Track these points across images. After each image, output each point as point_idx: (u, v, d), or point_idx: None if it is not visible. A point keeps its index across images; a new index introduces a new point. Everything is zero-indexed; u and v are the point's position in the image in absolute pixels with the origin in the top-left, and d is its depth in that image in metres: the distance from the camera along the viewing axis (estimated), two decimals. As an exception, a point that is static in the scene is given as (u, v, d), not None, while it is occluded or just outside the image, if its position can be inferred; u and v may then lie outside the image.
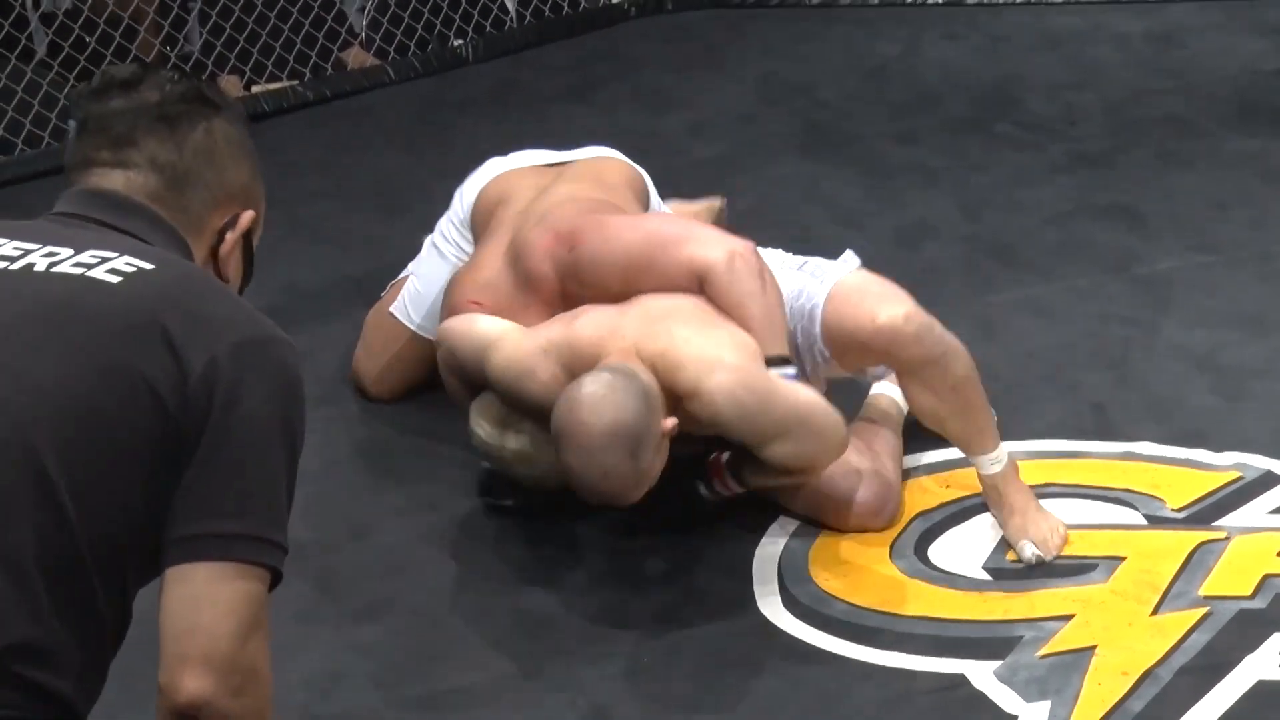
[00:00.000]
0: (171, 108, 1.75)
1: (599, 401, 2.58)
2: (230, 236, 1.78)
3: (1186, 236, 3.91)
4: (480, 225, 3.19)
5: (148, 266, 1.65)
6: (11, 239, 1.69)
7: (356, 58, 5.20)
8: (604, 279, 2.86)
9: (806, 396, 2.71)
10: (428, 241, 3.36)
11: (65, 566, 1.57)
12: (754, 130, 4.70)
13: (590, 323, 2.79)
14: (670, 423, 2.63)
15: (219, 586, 1.57)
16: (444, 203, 3.56)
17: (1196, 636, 2.57)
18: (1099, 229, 3.98)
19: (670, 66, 5.22)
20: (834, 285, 2.89)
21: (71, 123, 1.78)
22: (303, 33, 5.03)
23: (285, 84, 4.99)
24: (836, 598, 2.73)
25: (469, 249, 3.20)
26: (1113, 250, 3.87)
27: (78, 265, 1.64)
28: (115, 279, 1.63)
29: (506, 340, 2.83)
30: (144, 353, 1.59)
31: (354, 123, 4.88)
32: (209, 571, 1.57)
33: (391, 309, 3.33)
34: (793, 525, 2.91)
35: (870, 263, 3.84)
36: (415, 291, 3.29)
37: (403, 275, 3.41)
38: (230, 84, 4.97)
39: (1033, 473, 2.98)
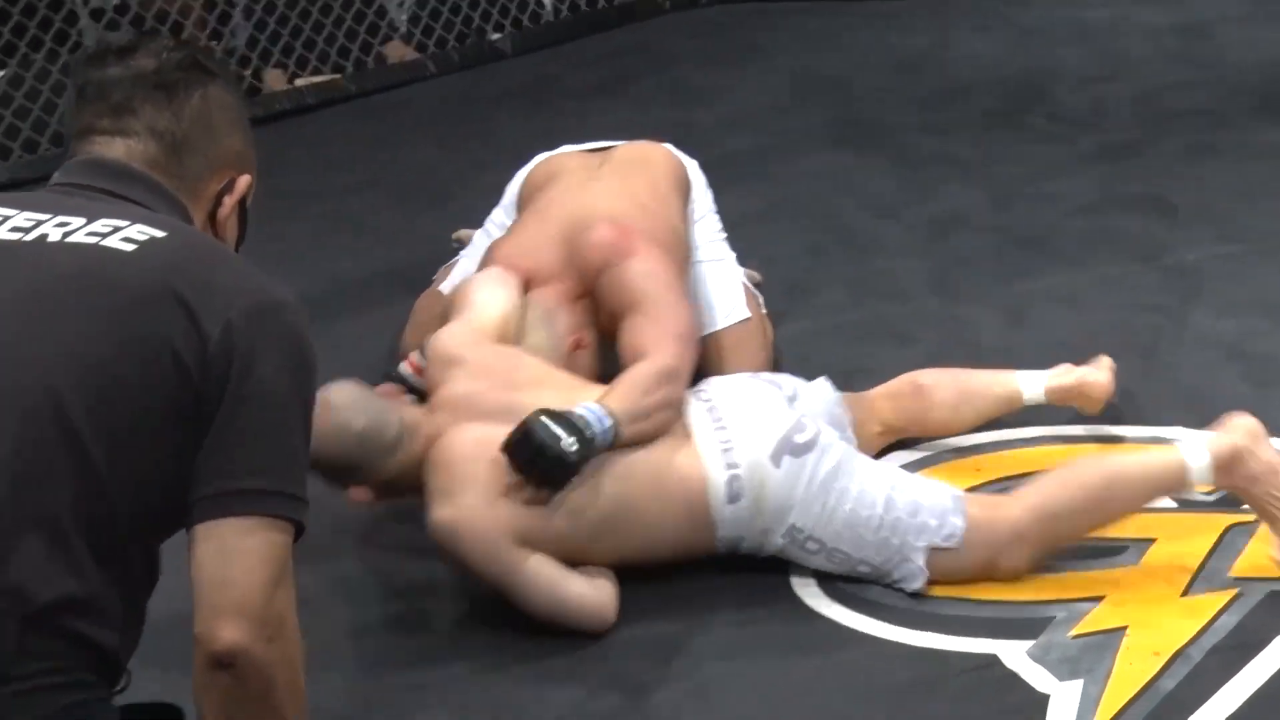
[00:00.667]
0: (169, 75, 1.76)
1: (340, 394, 2.58)
2: (228, 200, 1.80)
3: (1215, 226, 3.90)
4: (525, 205, 3.21)
5: (159, 234, 1.67)
6: (22, 210, 1.70)
7: (397, 51, 5.22)
8: (609, 301, 2.87)
9: (545, 577, 2.55)
10: (480, 229, 3.39)
11: (101, 524, 1.61)
12: (786, 123, 4.71)
13: (466, 378, 2.70)
14: (360, 494, 2.62)
15: (247, 539, 1.60)
16: (482, 194, 3.59)
17: (1227, 617, 2.56)
18: (1128, 219, 3.98)
19: (703, 60, 5.23)
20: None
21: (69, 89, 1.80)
22: (345, 27, 5.05)
23: (328, 77, 5.01)
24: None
25: None
26: (1141, 240, 3.86)
27: (91, 234, 1.66)
28: (129, 247, 1.65)
29: (451, 328, 2.81)
30: (164, 320, 1.62)
31: (395, 116, 4.91)
32: (236, 526, 1.60)
33: (442, 287, 3.36)
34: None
35: (900, 254, 3.88)
36: (466, 273, 3.30)
37: (454, 260, 3.44)
38: (274, 77, 5.00)
39: (1063, 458, 2.98)
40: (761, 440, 2.65)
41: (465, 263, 3.35)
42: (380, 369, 3.42)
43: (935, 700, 2.46)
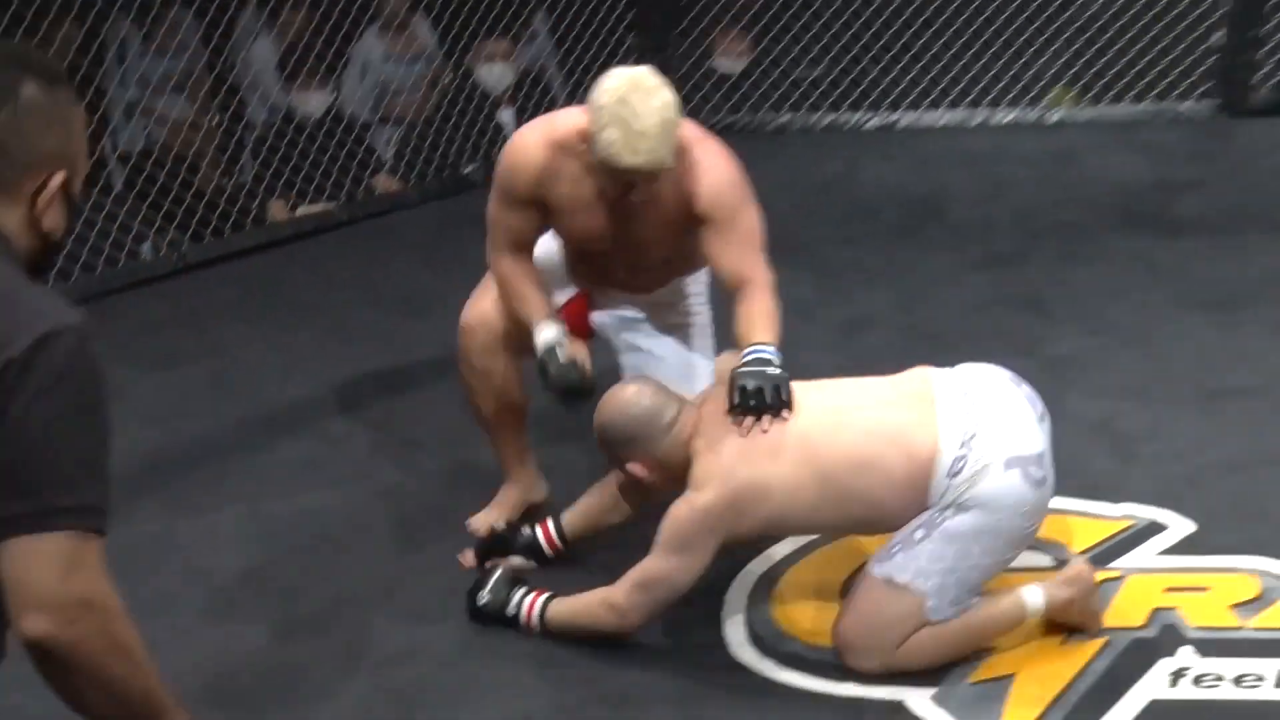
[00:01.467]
0: None
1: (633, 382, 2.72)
2: (41, 199, 1.70)
3: (1085, 322, 3.98)
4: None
5: None
6: None
7: (384, 183, 5.27)
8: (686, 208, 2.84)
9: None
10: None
11: None
12: (720, 239, 4.75)
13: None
14: (637, 469, 2.68)
15: (30, 549, 1.58)
16: (460, 307, 3.58)
17: (1098, 663, 2.61)
18: (1011, 316, 4.05)
19: (648, 186, 5.28)
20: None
21: None
22: (339, 163, 5.10)
23: (324, 206, 5.06)
24: (792, 635, 2.76)
25: None
26: (1022, 334, 3.93)
27: None
28: None
29: None
30: None
31: (383, 239, 4.95)
32: (18, 543, 1.58)
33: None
34: (764, 565, 2.94)
35: (819, 349, 3.93)
36: (549, 252, 3.12)
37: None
38: (277, 208, 5.04)
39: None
40: (1003, 444, 2.55)
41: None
42: (374, 460, 3.46)
43: (851, 741, 2.49)
